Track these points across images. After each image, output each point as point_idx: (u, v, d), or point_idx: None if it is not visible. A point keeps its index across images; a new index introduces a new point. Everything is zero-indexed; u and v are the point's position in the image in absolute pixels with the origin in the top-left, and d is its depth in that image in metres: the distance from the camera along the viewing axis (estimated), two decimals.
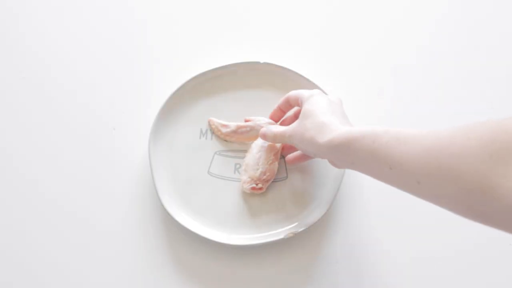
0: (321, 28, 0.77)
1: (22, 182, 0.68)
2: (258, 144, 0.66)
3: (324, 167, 0.65)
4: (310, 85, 0.67)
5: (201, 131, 0.68)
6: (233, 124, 0.68)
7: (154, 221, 0.65)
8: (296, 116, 0.63)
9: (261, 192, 0.64)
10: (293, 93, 0.61)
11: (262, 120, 0.67)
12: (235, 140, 0.67)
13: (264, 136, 0.62)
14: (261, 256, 0.63)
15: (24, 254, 0.64)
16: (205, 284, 0.63)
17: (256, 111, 0.68)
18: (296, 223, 0.63)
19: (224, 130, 0.67)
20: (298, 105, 0.60)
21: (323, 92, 0.64)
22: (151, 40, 0.76)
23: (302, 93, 0.59)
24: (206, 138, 0.68)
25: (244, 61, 0.69)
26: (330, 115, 0.53)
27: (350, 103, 0.69)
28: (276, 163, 0.64)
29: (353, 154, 0.48)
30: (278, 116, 0.66)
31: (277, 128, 0.60)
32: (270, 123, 0.66)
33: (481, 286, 0.62)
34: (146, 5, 0.79)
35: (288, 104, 0.62)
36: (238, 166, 0.67)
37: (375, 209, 0.65)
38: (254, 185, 0.63)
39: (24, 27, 0.77)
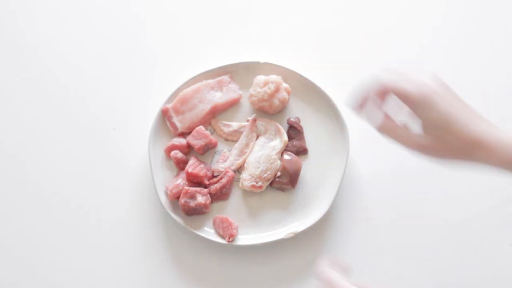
0: (321, 28, 0.77)
1: (22, 182, 0.68)
2: (259, 143, 0.66)
3: (323, 167, 0.65)
4: (310, 85, 0.67)
5: None
6: (235, 124, 0.68)
7: (154, 221, 0.65)
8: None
9: (261, 190, 0.64)
10: (396, 89, 0.47)
11: (263, 120, 0.67)
12: (237, 140, 0.67)
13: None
14: (261, 256, 0.63)
15: (24, 254, 0.64)
16: (205, 284, 0.62)
17: (256, 111, 0.68)
18: (296, 223, 0.63)
19: (226, 129, 0.67)
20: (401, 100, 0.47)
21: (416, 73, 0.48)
22: (152, 40, 0.76)
23: (409, 94, 0.46)
24: None
25: (244, 61, 0.69)
26: (469, 122, 0.45)
27: None
28: (278, 162, 0.64)
29: None
30: (360, 105, 0.50)
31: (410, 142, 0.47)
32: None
33: (481, 285, 0.62)
34: (146, 5, 0.79)
35: (383, 95, 0.49)
36: None
37: (374, 209, 0.65)
38: (254, 183, 0.63)
39: (25, 27, 0.77)
